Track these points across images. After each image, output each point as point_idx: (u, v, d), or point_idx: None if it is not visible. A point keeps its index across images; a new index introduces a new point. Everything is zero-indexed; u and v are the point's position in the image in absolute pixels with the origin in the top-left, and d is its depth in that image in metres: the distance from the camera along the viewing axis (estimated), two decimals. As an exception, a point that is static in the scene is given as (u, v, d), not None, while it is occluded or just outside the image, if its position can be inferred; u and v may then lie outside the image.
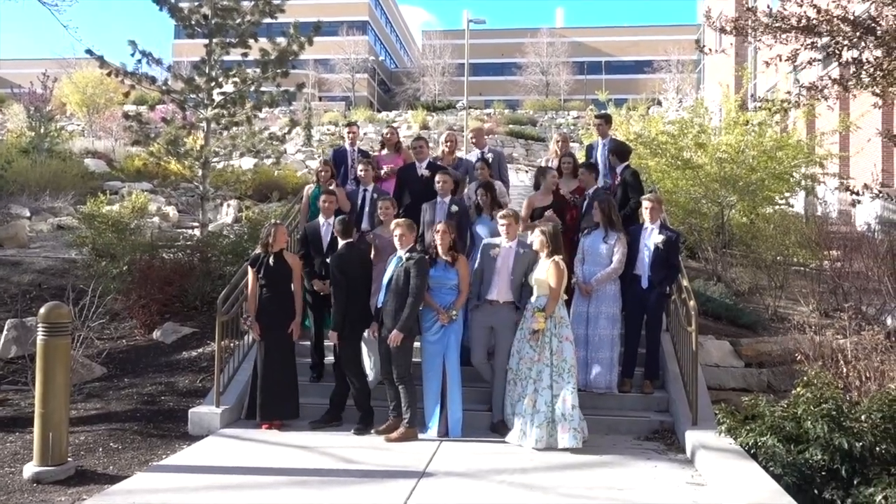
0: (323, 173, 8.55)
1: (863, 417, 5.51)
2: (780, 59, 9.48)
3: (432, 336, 6.59)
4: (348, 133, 9.57)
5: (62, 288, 9.37)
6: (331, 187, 8.32)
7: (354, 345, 6.81)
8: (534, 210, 7.96)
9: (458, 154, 9.48)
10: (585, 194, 8.12)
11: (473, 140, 9.49)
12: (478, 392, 6.92)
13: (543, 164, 9.86)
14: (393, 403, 6.64)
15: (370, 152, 10.00)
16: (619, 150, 8.75)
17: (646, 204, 7.35)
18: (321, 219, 7.63)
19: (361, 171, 8.37)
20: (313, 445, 6.27)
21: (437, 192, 7.80)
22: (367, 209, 8.19)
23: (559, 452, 6.10)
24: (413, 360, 6.65)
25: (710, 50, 11.46)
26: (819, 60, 9.84)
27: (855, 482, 5.23)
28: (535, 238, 6.66)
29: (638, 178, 8.51)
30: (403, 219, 6.79)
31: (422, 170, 8.54)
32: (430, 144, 10.36)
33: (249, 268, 7.06)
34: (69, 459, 5.74)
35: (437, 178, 7.80)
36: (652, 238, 7.24)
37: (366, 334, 7.11)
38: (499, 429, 6.61)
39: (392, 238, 6.74)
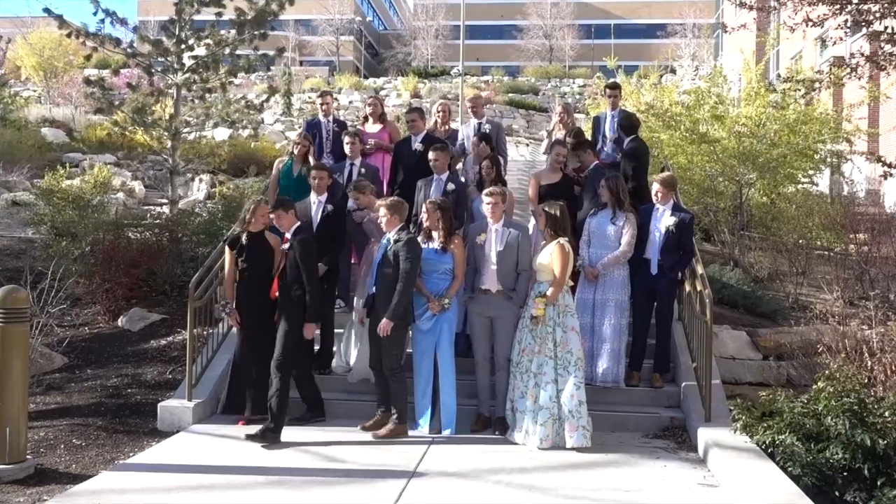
0: (301, 146, 8.52)
1: (887, 413, 5.58)
2: (807, 25, 9.45)
3: (424, 325, 6.61)
4: (321, 104, 9.54)
5: (18, 270, 9.34)
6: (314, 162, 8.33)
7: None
8: (540, 188, 7.94)
9: (453, 125, 9.47)
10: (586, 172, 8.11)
11: (471, 109, 9.46)
12: (473, 386, 6.94)
13: (548, 137, 9.84)
14: (381, 397, 6.67)
15: (348, 123, 9.99)
16: (626, 124, 8.75)
17: (655, 187, 7.36)
18: (312, 196, 7.58)
19: (348, 143, 8.36)
20: (295, 442, 6.31)
21: (433, 170, 7.78)
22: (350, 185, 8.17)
23: (561, 451, 6.16)
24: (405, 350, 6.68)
25: (732, 29, 11.37)
26: (847, 28, 9.82)
27: (878, 483, 5.30)
28: (539, 218, 6.68)
29: (637, 152, 8.50)
30: (389, 199, 6.76)
31: (416, 144, 8.52)
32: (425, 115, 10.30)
33: (227, 249, 7.02)
34: (28, 457, 5.74)
35: (430, 155, 7.78)
36: (663, 220, 7.27)
37: (354, 318, 7.13)
38: (499, 426, 6.65)
39: (377, 218, 6.75)
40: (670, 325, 7.60)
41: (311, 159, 8.65)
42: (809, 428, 5.67)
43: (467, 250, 6.75)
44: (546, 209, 6.64)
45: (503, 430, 6.57)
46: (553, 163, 8.08)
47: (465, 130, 9.30)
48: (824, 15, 9.56)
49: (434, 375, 6.64)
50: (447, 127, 9.32)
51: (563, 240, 6.50)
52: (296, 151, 8.54)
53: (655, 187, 7.38)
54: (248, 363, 6.83)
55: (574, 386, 6.27)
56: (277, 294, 6.67)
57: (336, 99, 34.58)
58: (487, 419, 6.75)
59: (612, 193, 7.26)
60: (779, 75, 11.74)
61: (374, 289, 6.62)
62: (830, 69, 10.41)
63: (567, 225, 6.65)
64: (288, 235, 6.72)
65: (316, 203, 7.53)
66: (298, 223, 6.83)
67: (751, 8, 10.37)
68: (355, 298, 7.39)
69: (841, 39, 9.86)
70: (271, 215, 6.83)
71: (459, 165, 8.87)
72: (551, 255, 6.45)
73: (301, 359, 6.75)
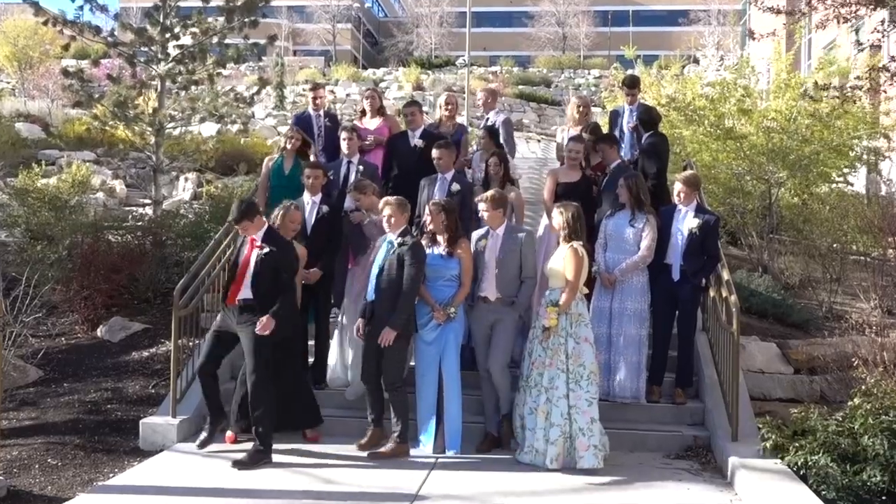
0: (293, 141, 8.52)
1: (930, 433, 5.55)
2: (839, 22, 9.45)
3: (428, 335, 6.61)
4: (314, 97, 9.52)
5: (-10, 276, 9.38)
6: (312, 159, 8.32)
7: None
8: (557, 187, 7.92)
9: (459, 119, 9.48)
10: (606, 171, 8.10)
11: (481, 102, 9.43)
12: (480, 401, 6.91)
13: (559, 133, 9.83)
14: (373, 413, 6.68)
15: (344, 118, 9.98)
16: (646, 118, 8.76)
17: (677, 187, 7.35)
18: (306, 196, 7.58)
19: (345, 140, 8.35)
20: (288, 462, 6.30)
21: (437, 169, 7.78)
22: (350, 185, 8.16)
23: (576, 473, 6.14)
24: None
25: (760, 36, 11.37)
26: (886, 28, 9.86)
27: (921, 508, 5.28)
28: (554, 219, 6.66)
29: (656, 148, 8.51)
30: (395, 198, 6.77)
31: (415, 139, 8.52)
32: (425, 109, 10.31)
33: None
34: (0, 478, 5.74)
35: (434, 153, 7.77)
36: (686, 222, 7.25)
37: (354, 334, 7.09)
38: (504, 444, 6.63)
39: (379, 220, 6.75)
40: (693, 336, 7.58)
41: (311, 156, 8.63)
42: (845, 448, 5.65)
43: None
44: (560, 211, 6.63)
45: (491, 447, 6.60)
46: (568, 160, 8.07)
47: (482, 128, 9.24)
48: (856, 9, 9.57)
49: (438, 390, 6.63)
50: (454, 122, 9.31)
51: (576, 243, 6.49)
52: (289, 146, 8.53)
53: (678, 187, 7.36)
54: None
55: (586, 402, 6.25)
56: (238, 301, 6.46)
57: (332, 91, 34.76)
58: (496, 438, 6.74)
59: (630, 193, 7.24)
60: (815, 83, 11.71)
61: (372, 296, 6.60)
62: (869, 74, 10.39)
63: (582, 228, 6.64)
64: (255, 237, 6.45)
65: (310, 204, 7.53)
66: (266, 225, 6.60)
67: (778, 12, 10.37)
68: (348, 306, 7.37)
69: (879, 41, 9.88)
70: (237, 227, 6.63)
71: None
72: (564, 260, 6.45)
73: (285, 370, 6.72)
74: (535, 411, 6.33)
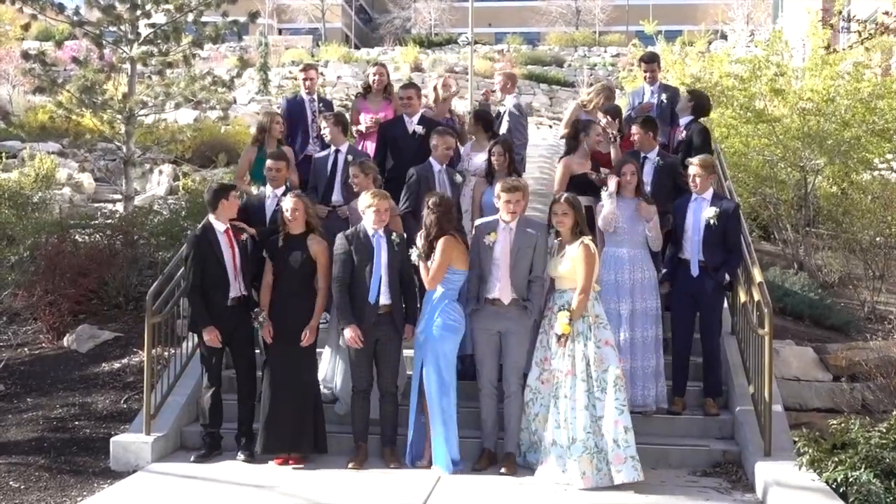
0: (276, 126, 8.51)
1: (983, 445, 5.56)
2: None
3: (419, 336, 6.69)
4: (305, 79, 9.48)
5: (-55, 281, 9.39)
6: (281, 148, 8.30)
7: None
8: (572, 178, 7.89)
9: (461, 104, 9.46)
10: (644, 158, 8.07)
11: (499, 87, 9.38)
12: (477, 414, 6.87)
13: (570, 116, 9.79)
14: (359, 426, 6.77)
15: (335, 103, 9.93)
16: (703, 103, 8.85)
17: (692, 170, 7.31)
18: (268, 190, 7.66)
19: (325, 127, 8.29)
20: (272, 484, 6.33)
21: (434, 158, 7.77)
22: (338, 176, 8.14)
23: (588, 492, 6.15)
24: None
25: None
26: None
27: (973, 528, 5.28)
28: (556, 222, 6.63)
29: (707, 140, 8.55)
30: (383, 193, 6.80)
31: (413, 125, 8.51)
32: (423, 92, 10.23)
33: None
34: (-44, 502, 5.79)
35: (434, 141, 7.76)
36: (702, 212, 7.25)
37: (341, 342, 7.11)
38: (508, 464, 6.59)
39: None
40: (718, 340, 7.55)
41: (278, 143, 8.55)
42: (890, 462, 5.66)
43: (471, 252, 6.71)
44: (560, 211, 6.57)
45: (512, 469, 6.52)
46: (593, 145, 8.04)
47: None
48: None
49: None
50: (449, 105, 9.32)
51: (586, 239, 6.50)
52: (273, 132, 8.51)
53: (693, 170, 7.33)
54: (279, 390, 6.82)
55: (617, 410, 6.26)
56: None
57: (321, 74, 34.69)
58: (493, 455, 6.73)
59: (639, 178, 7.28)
60: (847, 28, 11.60)
61: (374, 299, 6.61)
62: None
63: (584, 218, 6.70)
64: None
65: (271, 197, 7.53)
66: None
67: None
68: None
69: None
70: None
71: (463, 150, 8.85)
72: (574, 260, 6.44)
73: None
74: (559, 425, 6.33)
